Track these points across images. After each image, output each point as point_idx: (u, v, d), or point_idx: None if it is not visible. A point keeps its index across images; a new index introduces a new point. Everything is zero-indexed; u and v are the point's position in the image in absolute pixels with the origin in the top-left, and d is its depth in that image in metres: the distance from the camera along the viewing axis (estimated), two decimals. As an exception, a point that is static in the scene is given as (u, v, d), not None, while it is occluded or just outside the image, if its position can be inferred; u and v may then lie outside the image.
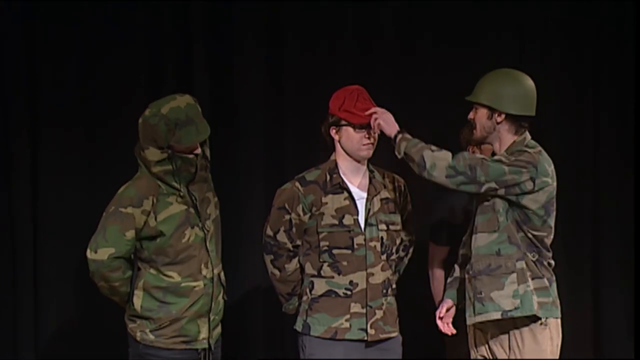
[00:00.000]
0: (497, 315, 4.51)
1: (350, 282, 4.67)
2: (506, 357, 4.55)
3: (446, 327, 4.68)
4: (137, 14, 5.68)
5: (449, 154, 4.51)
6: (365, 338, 4.66)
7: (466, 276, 4.60)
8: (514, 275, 4.51)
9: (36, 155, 5.62)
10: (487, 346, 4.62)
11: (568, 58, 6.02)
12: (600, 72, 6.05)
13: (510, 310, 4.50)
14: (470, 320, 4.58)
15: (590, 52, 6.04)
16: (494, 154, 4.64)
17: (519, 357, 4.52)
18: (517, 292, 4.51)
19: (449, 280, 4.74)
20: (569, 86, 6.03)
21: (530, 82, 4.60)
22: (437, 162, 4.47)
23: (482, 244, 4.55)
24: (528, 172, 4.47)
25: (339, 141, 4.70)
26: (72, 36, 5.62)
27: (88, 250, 4.47)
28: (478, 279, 4.54)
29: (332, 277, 4.68)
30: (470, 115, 4.63)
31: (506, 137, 4.59)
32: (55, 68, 5.63)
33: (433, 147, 4.52)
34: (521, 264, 4.53)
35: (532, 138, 4.62)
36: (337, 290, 4.67)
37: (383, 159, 4.98)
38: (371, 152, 4.70)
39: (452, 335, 4.73)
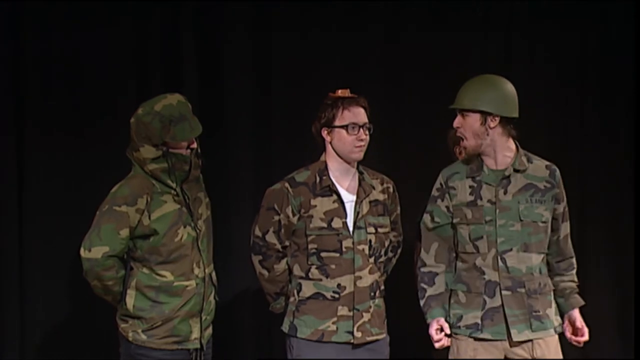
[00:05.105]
0: (553, 332, 4.57)
1: (338, 285, 4.66)
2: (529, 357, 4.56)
3: (446, 342, 4.61)
4: (125, 13, 5.64)
5: None
6: (352, 341, 4.66)
7: (509, 293, 4.52)
8: (553, 293, 4.63)
9: (22, 155, 5.56)
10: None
11: (555, 57, 6.03)
12: (587, 72, 6.08)
13: (557, 327, 4.60)
14: (524, 336, 4.52)
15: (578, 51, 6.06)
16: (478, 155, 4.59)
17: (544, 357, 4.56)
18: (557, 309, 4.64)
19: (432, 294, 4.61)
20: (557, 86, 6.05)
21: (510, 85, 4.59)
22: None
23: (536, 264, 4.57)
24: None
25: (331, 142, 4.69)
26: (59, 36, 5.56)
27: (82, 249, 4.44)
28: (533, 298, 4.55)
29: (320, 280, 4.67)
30: (456, 124, 4.56)
31: (499, 140, 4.55)
32: (42, 67, 5.56)
33: None
34: (550, 281, 4.66)
35: (520, 138, 4.64)
36: (324, 293, 4.67)
37: (373, 160, 5.00)
38: (362, 154, 4.68)
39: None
